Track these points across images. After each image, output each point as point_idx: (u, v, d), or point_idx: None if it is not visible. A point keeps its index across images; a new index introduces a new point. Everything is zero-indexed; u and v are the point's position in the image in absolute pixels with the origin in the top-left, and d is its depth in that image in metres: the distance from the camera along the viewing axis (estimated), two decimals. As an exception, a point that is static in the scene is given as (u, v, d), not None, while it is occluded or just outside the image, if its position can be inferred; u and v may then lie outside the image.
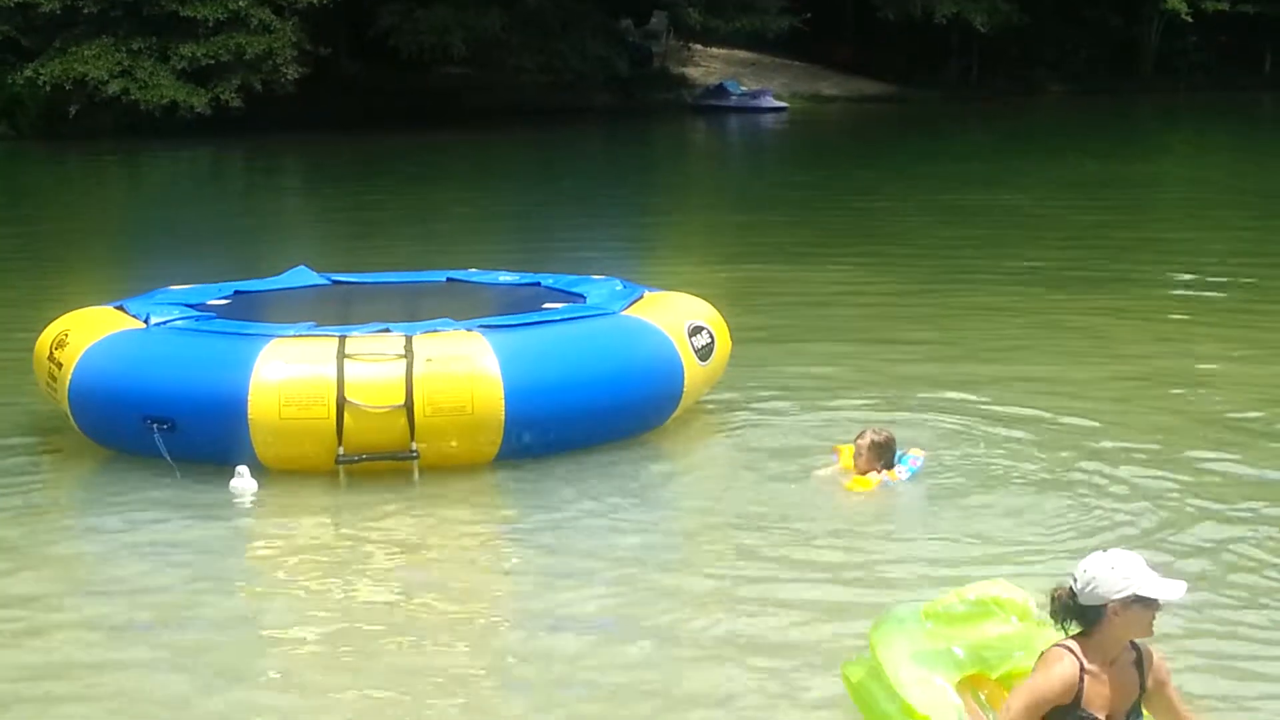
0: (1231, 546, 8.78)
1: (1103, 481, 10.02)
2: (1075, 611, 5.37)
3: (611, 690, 7.13)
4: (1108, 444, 10.90)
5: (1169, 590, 5.32)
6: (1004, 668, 5.85)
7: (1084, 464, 10.40)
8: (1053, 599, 5.44)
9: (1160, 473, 10.20)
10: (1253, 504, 9.56)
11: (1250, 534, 9.00)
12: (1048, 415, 11.65)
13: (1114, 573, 5.30)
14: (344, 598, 8.43)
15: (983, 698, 5.87)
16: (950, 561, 8.57)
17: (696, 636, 7.72)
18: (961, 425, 11.40)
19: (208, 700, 7.12)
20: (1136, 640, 5.45)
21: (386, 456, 10.15)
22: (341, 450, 10.06)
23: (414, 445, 10.11)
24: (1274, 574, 8.37)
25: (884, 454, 10.00)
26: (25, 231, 26.67)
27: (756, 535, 9.19)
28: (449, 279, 13.00)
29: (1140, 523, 9.21)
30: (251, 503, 9.95)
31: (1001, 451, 10.76)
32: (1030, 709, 5.31)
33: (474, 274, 13.19)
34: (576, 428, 10.62)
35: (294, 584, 8.74)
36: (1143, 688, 5.49)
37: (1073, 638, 5.41)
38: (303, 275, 13.00)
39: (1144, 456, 10.60)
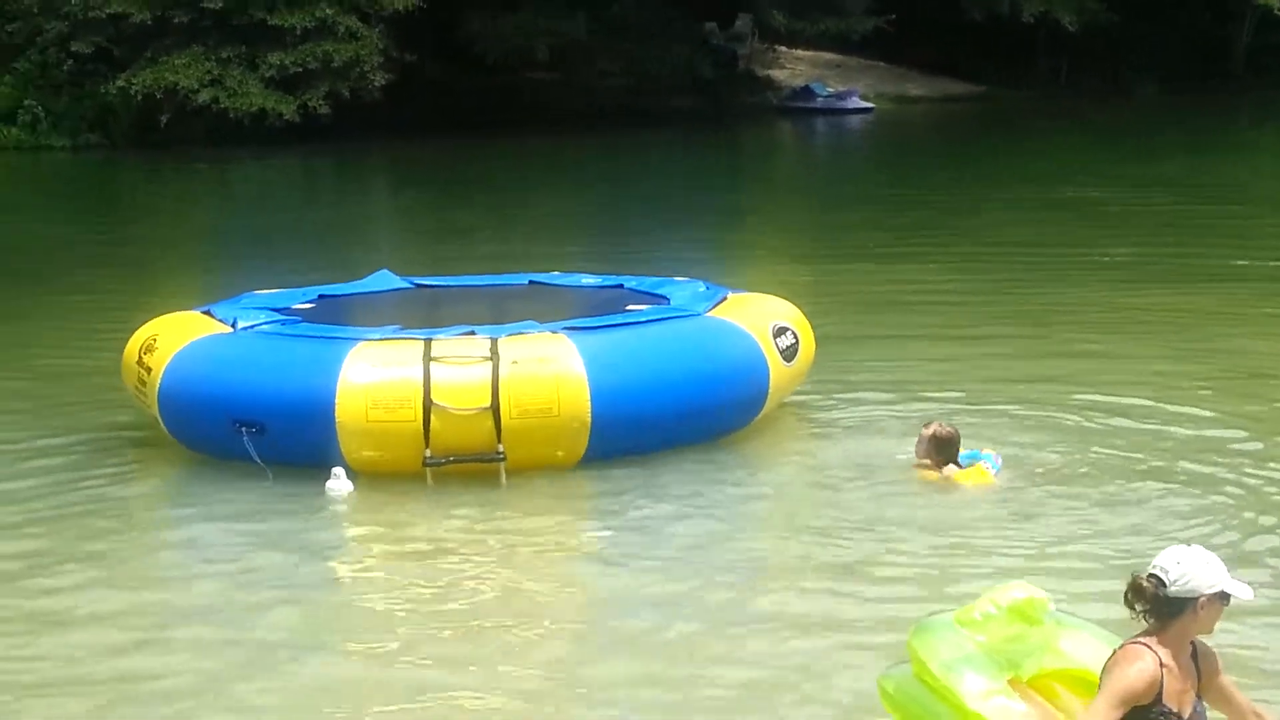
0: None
1: (1189, 477, 9.96)
2: (1161, 603, 5.33)
3: (685, 695, 7.14)
4: (1197, 439, 10.85)
5: (1246, 590, 5.35)
6: (1031, 669, 5.80)
7: (1179, 461, 10.34)
8: (1137, 589, 5.37)
9: (1256, 470, 10.08)
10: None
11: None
12: (1138, 411, 11.61)
13: (1208, 568, 5.30)
14: (434, 599, 8.46)
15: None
16: (1031, 557, 8.54)
17: (769, 635, 7.74)
18: (1049, 422, 11.34)
19: (296, 700, 7.19)
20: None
21: (473, 459, 10.17)
22: (428, 452, 10.10)
23: (500, 447, 10.13)
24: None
25: (943, 449, 9.99)
26: (115, 238, 26.99)
27: (839, 538, 9.15)
28: (531, 281, 13.02)
29: (1223, 520, 9.11)
30: (345, 504, 9.99)
31: (1088, 449, 10.69)
32: (1116, 708, 5.26)
33: (556, 276, 13.21)
34: (662, 429, 10.61)
35: (384, 585, 8.81)
36: (1199, 680, 5.45)
37: (1146, 633, 5.36)
38: (385, 279, 13.06)
39: (1236, 453, 10.49)
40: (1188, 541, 5.80)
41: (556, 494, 10.23)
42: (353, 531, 9.84)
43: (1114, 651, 5.42)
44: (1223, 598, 5.32)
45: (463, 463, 10.18)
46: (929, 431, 10.13)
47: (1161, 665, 5.29)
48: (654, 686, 7.25)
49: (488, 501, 9.94)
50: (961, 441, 10.11)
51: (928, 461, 10.11)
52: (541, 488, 10.19)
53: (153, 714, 7.13)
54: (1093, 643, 5.85)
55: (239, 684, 7.39)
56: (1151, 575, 5.36)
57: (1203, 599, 5.29)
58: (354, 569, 9.23)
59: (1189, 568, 5.31)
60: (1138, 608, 5.39)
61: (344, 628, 8.17)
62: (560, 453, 10.41)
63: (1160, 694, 5.27)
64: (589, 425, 10.29)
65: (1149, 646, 5.32)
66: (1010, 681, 5.77)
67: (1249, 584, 5.40)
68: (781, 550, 9.28)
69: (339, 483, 10.09)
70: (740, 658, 7.54)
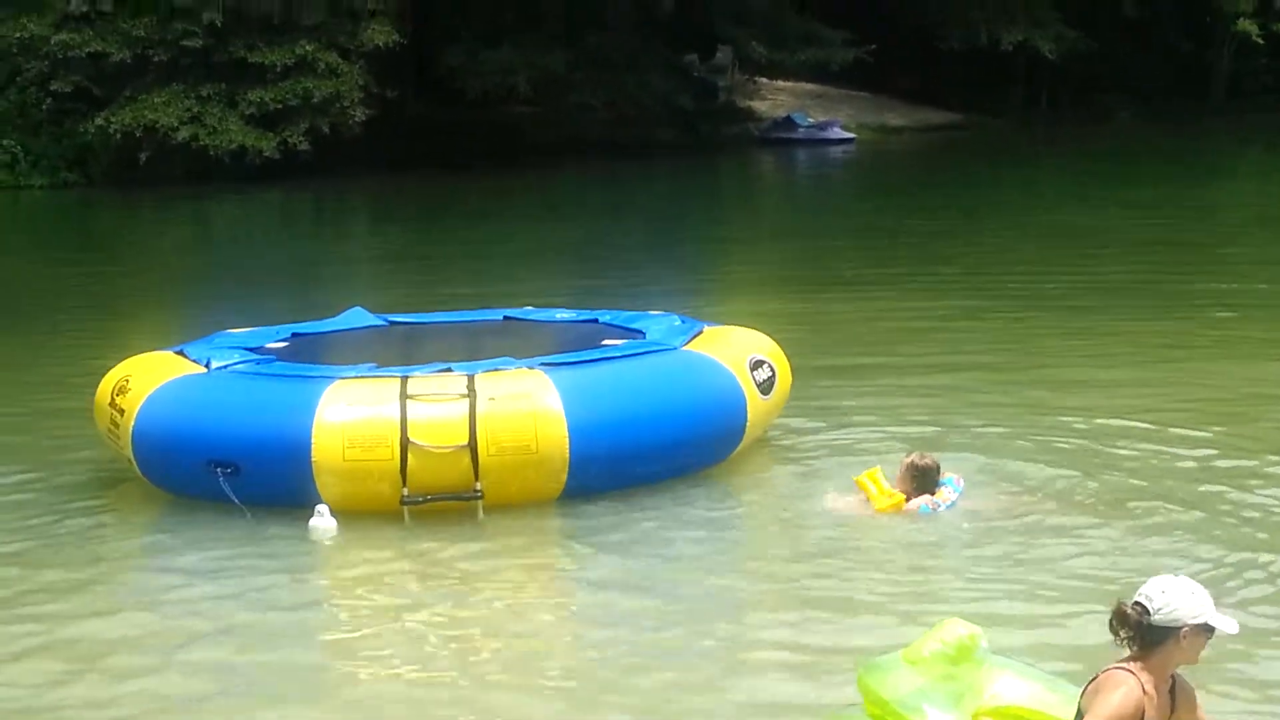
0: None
1: (1173, 506, 9.96)
2: (1144, 630, 5.30)
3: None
4: (1186, 463, 10.91)
5: (1231, 624, 5.36)
6: (971, 709, 5.80)
7: (1168, 484, 10.39)
8: (1121, 616, 5.36)
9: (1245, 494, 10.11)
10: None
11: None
12: (1124, 436, 11.63)
13: (1193, 599, 5.31)
14: (412, 636, 8.41)
15: None
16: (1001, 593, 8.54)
17: (738, 670, 7.78)
18: (1029, 449, 11.35)
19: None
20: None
21: (451, 497, 10.11)
22: (406, 491, 10.02)
23: (478, 485, 10.06)
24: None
25: (920, 479, 9.95)
26: (90, 274, 26.92)
27: (812, 574, 9.10)
28: (506, 317, 12.97)
29: (1201, 550, 9.08)
30: (330, 542, 9.91)
31: (1073, 474, 10.70)
32: None
33: (530, 312, 13.17)
34: (641, 464, 10.54)
35: (363, 623, 8.75)
36: (1173, 713, 5.44)
37: (1129, 659, 5.34)
38: (359, 316, 12.99)
39: (1227, 476, 10.54)
40: (1175, 570, 5.79)
41: (534, 530, 10.17)
42: (322, 572, 9.74)
43: (1095, 677, 5.39)
44: (1206, 629, 5.32)
45: (440, 501, 10.11)
46: (907, 461, 10.12)
47: (1144, 691, 5.26)
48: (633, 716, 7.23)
49: (464, 539, 9.85)
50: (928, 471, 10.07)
51: (886, 488, 10.05)
52: (519, 525, 10.11)
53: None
54: (1021, 681, 5.89)
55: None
56: (1136, 603, 5.35)
57: (1186, 629, 5.29)
58: (318, 610, 9.08)
59: (1173, 597, 5.30)
60: (1121, 634, 5.38)
61: (329, 668, 8.11)
62: (538, 489, 10.33)
63: (1142, 718, 5.25)
64: (567, 461, 10.22)
65: (1131, 672, 5.30)
66: None
67: (1237, 611, 5.38)
68: (751, 584, 9.23)
69: (323, 520, 9.98)
70: (708, 687, 7.56)
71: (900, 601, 8.54)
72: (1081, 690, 5.46)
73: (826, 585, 8.88)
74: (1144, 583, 5.44)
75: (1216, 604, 5.41)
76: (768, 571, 9.36)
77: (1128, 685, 5.28)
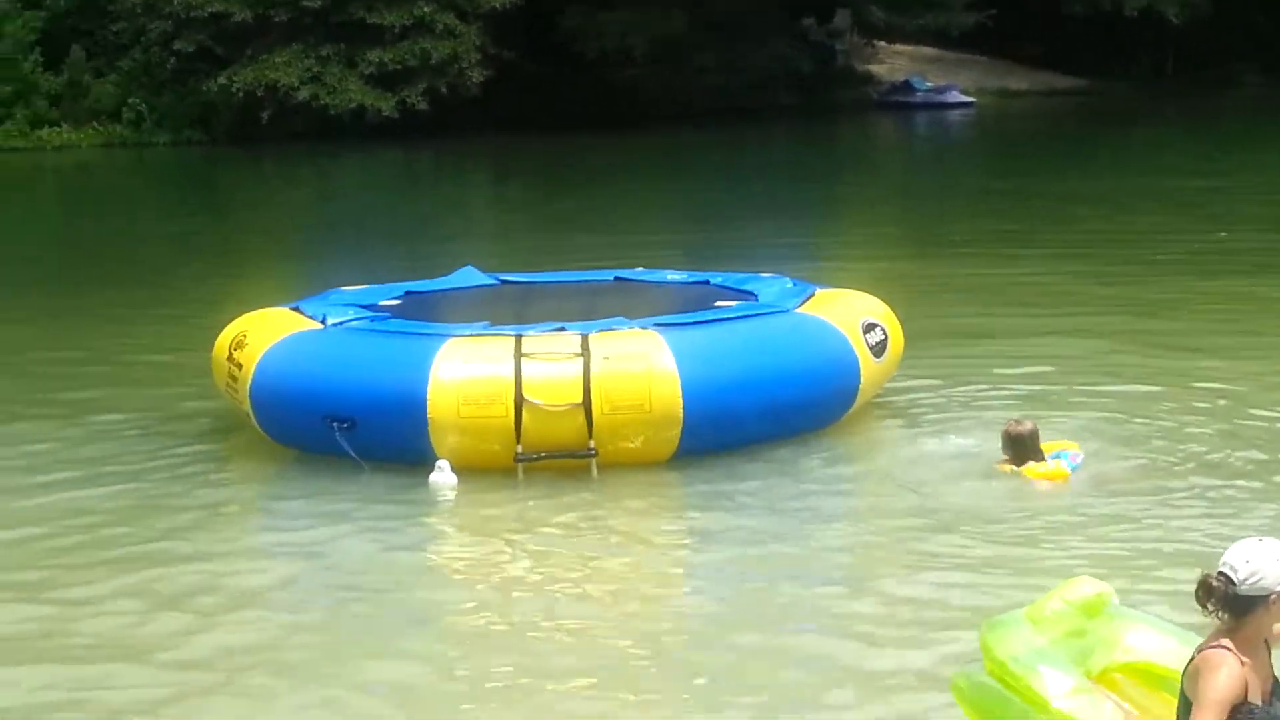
0: None
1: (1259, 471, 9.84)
2: (1231, 601, 5.20)
3: (781, 685, 7.11)
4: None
5: None
6: (1101, 664, 5.75)
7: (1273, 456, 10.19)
8: (1207, 588, 5.23)
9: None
10: None
11: None
12: (1239, 405, 11.46)
13: (1279, 564, 5.15)
14: (526, 592, 8.50)
15: None
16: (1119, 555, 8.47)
17: (855, 630, 7.74)
18: (1142, 416, 11.22)
19: (379, 687, 7.24)
20: None
21: (565, 455, 10.16)
22: (520, 448, 10.09)
23: (591, 443, 10.10)
24: None
25: (1016, 446, 9.89)
26: (210, 230, 27.46)
27: (930, 534, 9.08)
28: (617, 278, 13.01)
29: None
30: (447, 497, 10.00)
31: (1180, 443, 10.56)
32: (1219, 713, 5.14)
33: (641, 273, 13.21)
34: (753, 425, 10.55)
35: (478, 580, 8.85)
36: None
37: (1220, 633, 5.24)
38: (470, 275, 13.06)
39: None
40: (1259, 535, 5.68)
41: (646, 490, 10.19)
42: (439, 527, 9.84)
43: (1191, 660, 5.30)
44: None
45: (555, 459, 10.16)
46: (1005, 430, 10.04)
47: (1242, 663, 5.18)
48: (736, 678, 7.24)
49: (578, 497, 9.91)
50: (1042, 437, 10.00)
51: (1006, 458, 10.00)
52: (632, 483, 10.15)
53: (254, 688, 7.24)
54: (1156, 635, 5.81)
55: (331, 669, 7.45)
56: (1220, 573, 5.22)
57: (1274, 596, 5.14)
58: (434, 565, 9.21)
59: (1259, 564, 5.15)
60: (1209, 606, 5.27)
61: (441, 623, 8.18)
62: (651, 449, 10.36)
63: (1247, 692, 5.17)
64: (681, 421, 10.24)
65: (1226, 648, 5.20)
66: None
67: None
68: (867, 542, 9.22)
69: (444, 475, 10.07)
70: (813, 651, 7.55)
71: (1024, 562, 8.49)
72: (1182, 673, 5.37)
73: (945, 543, 8.86)
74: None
75: None
76: (884, 530, 9.33)
77: (1227, 664, 5.18)
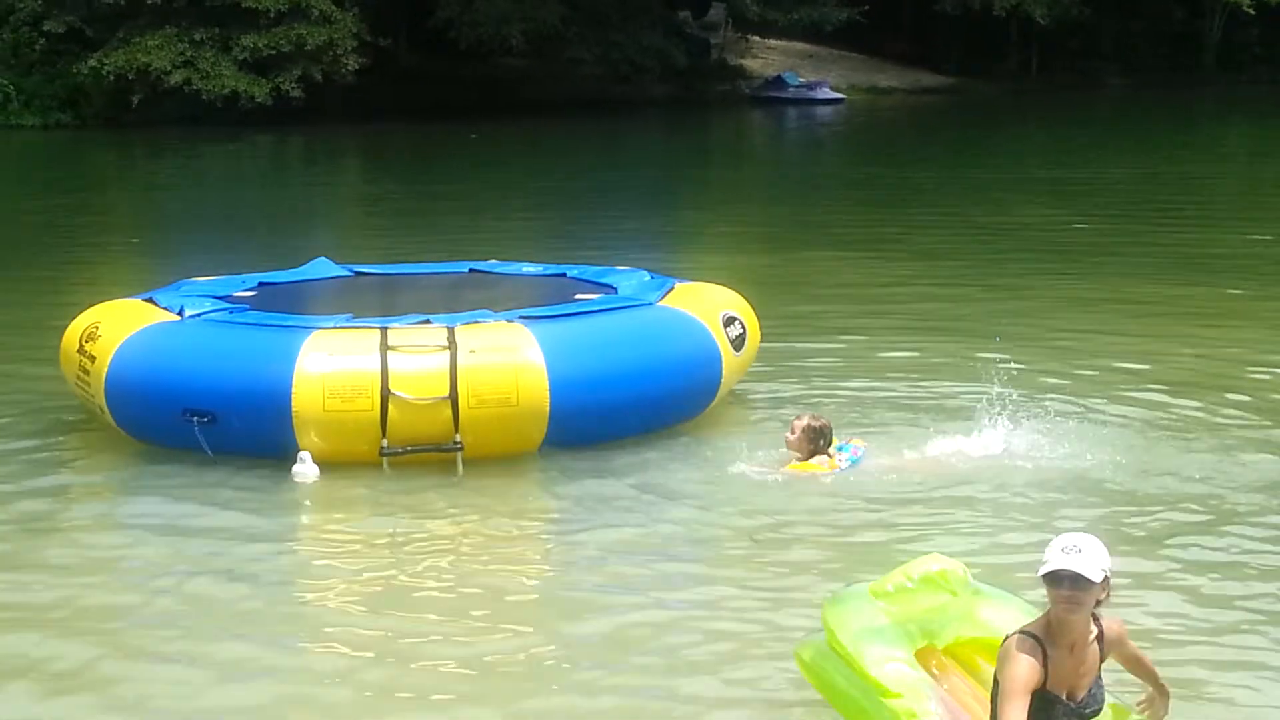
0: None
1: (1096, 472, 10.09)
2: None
3: (628, 681, 7.24)
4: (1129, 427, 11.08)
5: (1045, 565, 5.37)
6: (948, 638, 6.02)
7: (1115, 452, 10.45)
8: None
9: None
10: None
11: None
12: (1075, 400, 11.75)
13: (1048, 551, 5.39)
14: (388, 588, 8.49)
15: (933, 669, 5.99)
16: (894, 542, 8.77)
17: (715, 605, 7.98)
18: (972, 409, 11.31)
19: (241, 689, 7.23)
20: (1097, 616, 5.54)
21: (431, 449, 10.15)
22: (385, 442, 10.07)
23: (458, 437, 10.11)
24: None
25: (816, 440, 10.07)
26: (69, 215, 26.98)
27: (786, 524, 9.29)
28: (471, 270, 12.97)
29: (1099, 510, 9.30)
30: (309, 489, 9.96)
31: (1021, 433, 10.70)
32: (1017, 701, 5.34)
33: (496, 265, 13.16)
34: (619, 418, 10.62)
35: (339, 575, 8.77)
36: (1102, 658, 5.58)
37: (1034, 622, 5.49)
38: (324, 267, 12.90)
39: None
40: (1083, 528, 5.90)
41: (512, 483, 10.23)
42: (299, 522, 9.80)
43: (1001, 645, 5.55)
44: (1049, 579, 5.36)
45: (420, 452, 10.18)
46: (802, 423, 10.17)
47: (1045, 651, 5.39)
48: (599, 657, 7.43)
49: (443, 491, 9.94)
50: (834, 433, 10.22)
51: (797, 454, 10.17)
52: (498, 477, 10.17)
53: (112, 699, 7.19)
54: (1013, 612, 6.03)
55: (194, 674, 7.41)
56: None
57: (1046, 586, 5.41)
58: (293, 562, 9.10)
59: (1047, 553, 5.40)
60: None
61: (305, 620, 8.14)
62: (517, 442, 10.39)
63: (1045, 679, 5.39)
64: (548, 415, 10.28)
65: (1032, 635, 5.42)
66: (925, 650, 5.95)
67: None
68: (721, 535, 9.31)
69: (306, 467, 10.03)
70: (676, 625, 7.75)
71: (848, 553, 8.76)
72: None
73: (792, 532, 9.11)
74: None
75: None
76: (739, 521, 9.42)
77: (1022, 654, 5.37)
